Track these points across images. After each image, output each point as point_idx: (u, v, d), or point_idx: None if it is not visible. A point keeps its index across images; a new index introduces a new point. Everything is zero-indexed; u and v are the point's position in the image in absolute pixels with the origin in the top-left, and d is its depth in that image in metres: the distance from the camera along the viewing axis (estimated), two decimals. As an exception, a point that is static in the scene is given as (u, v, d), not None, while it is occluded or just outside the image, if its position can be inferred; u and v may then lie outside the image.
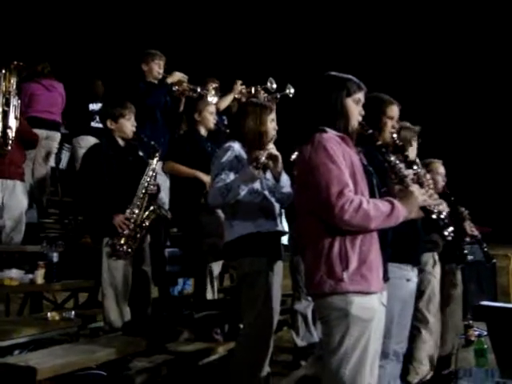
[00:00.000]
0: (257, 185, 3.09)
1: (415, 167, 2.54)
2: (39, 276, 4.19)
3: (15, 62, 4.57)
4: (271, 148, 3.11)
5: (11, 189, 4.66)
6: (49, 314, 3.99)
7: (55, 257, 4.28)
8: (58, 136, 6.14)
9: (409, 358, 3.72)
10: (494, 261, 5.25)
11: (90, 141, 5.99)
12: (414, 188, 2.36)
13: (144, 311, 3.91)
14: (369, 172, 2.52)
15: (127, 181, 3.87)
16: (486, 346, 3.70)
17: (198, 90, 5.28)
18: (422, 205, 2.33)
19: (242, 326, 3.28)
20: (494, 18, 15.05)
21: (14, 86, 4.54)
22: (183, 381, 3.62)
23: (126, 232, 3.75)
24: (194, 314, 4.06)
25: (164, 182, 4.67)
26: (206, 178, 3.97)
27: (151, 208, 3.90)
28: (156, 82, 5.24)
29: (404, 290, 3.01)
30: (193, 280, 5.22)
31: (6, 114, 4.46)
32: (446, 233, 2.42)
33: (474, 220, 4.81)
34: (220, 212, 3.65)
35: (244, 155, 3.12)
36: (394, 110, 3.05)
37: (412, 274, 3.08)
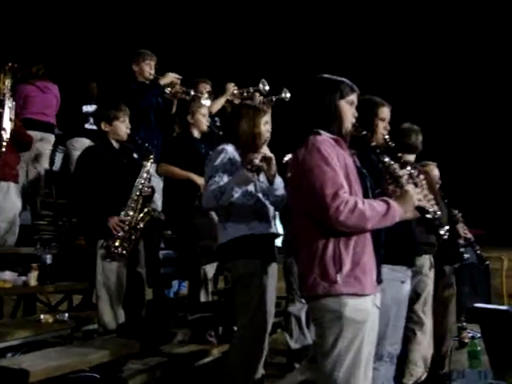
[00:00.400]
0: (251, 187, 3.09)
1: (408, 168, 2.55)
2: (32, 278, 4.18)
3: (10, 64, 4.56)
4: (265, 150, 3.12)
5: (5, 191, 4.64)
6: (42, 316, 3.98)
7: (49, 259, 4.27)
8: (52, 138, 6.12)
9: (403, 361, 3.73)
10: (487, 263, 5.28)
11: (83, 143, 5.98)
12: (409, 187, 2.37)
13: (138, 313, 3.91)
14: (362, 174, 2.53)
15: (122, 183, 3.86)
16: (479, 348, 3.73)
17: (192, 92, 5.27)
18: (418, 204, 2.34)
19: (236, 328, 3.28)
20: (493, 18, 15.13)
21: (9, 88, 4.53)
22: (177, 383, 3.62)
23: (121, 234, 3.74)
24: (188, 316, 4.05)
25: (157, 184, 4.66)
26: (200, 181, 3.97)
27: (145, 210, 3.90)
28: (147, 82, 5.19)
29: (399, 291, 3.02)
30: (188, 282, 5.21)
31: (0, 116, 4.45)
32: (441, 232, 2.43)
33: (468, 222, 4.84)
34: (214, 214, 3.65)
35: (238, 158, 3.13)
36: (386, 112, 3.08)
37: (406, 275, 3.10)
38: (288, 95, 5.55)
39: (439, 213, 2.45)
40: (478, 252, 4.84)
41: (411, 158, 3.96)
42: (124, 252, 3.76)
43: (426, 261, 3.96)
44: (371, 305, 2.30)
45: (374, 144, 2.56)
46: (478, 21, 15.27)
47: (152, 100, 5.07)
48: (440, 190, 4.47)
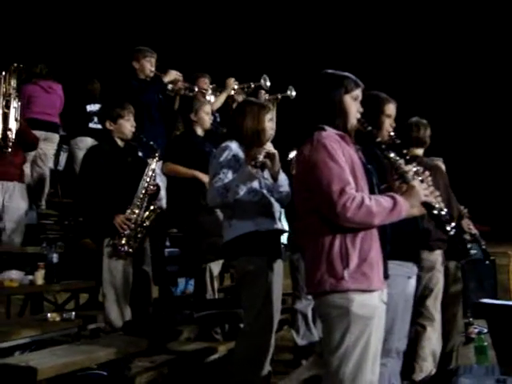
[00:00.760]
0: (255, 184, 3.09)
1: (414, 164, 2.54)
2: (39, 277, 4.19)
3: (15, 64, 4.57)
4: (269, 147, 3.11)
5: (11, 190, 4.66)
6: (49, 314, 4.01)
7: (55, 258, 4.29)
8: (56, 137, 6.14)
9: (413, 356, 3.74)
10: (492, 258, 5.27)
11: (88, 142, 6.01)
12: (416, 183, 2.36)
13: (145, 311, 3.92)
14: (368, 170, 2.52)
15: (127, 181, 3.87)
16: (486, 344, 3.71)
17: (196, 89, 5.26)
18: (424, 200, 2.33)
19: (242, 325, 3.28)
20: (497, 17, 15.07)
21: (15, 88, 4.54)
22: (184, 380, 3.63)
23: (127, 232, 3.75)
24: (194, 313, 4.06)
25: (161, 182, 4.66)
26: (205, 178, 3.97)
27: (151, 208, 3.91)
28: (148, 79, 5.16)
29: (406, 287, 3.02)
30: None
31: (6, 116, 4.47)
32: (448, 228, 2.42)
33: (474, 218, 4.83)
34: (219, 212, 3.65)
35: (241, 154, 3.12)
36: (392, 109, 3.07)
37: (413, 271, 3.10)
38: (293, 93, 5.53)
39: (446, 209, 2.44)
40: (484, 247, 4.84)
41: (419, 151, 3.95)
42: (130, 250, 3.77)
43: (438, 256, 3.96)
44: (378, 301, 2.29)
45: (379, 139, 2.55)
46: (486, 15, 15.20)
47: (153, 96, 5.05)
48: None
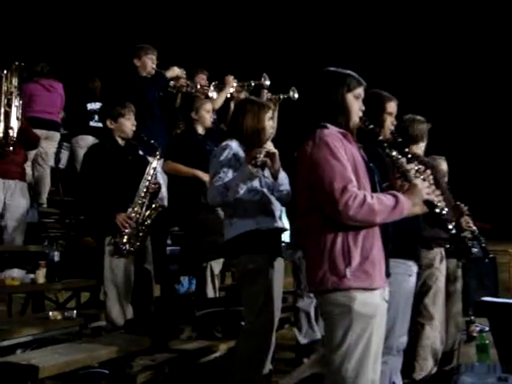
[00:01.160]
0: (255, 183, 3.09)
1: (415, 163, 2.54)
2: (40, 275, 4.20)
3: (17, 63, 4.57)
4: (269, 146, 3.11)
5: (13, 189, 4.66)
6: (50, 313, 4.00)
7: (56, 256, 4.29)
8: (57, 136, 6.15)
9: (413, 355, 3.73)
10: (492, 256, 5.26)
11: (88, 140, 6.01)
12: (418, 181, 2.35)
13: (146, 309, 3.92)
14: (370, 168, 2.52)
15: (128, 180, 3.87)
16: (487, 342, 3.71)
17: (198, 86, 5.26)
18: (426, 198, 2.33)
19: (243, 323, 3.28)
20: (497, 16, 15.06)
21: (16, 87, 4.54)
22: (185, 379, 3.63)
23: (129, 230, 3.76)
24: (196, 312, 4.06)
25: (162, 180, 4.66)
26: (206, 177, 3.97)
27: (153, 206, 3.91)
28: (150, 76, 5.12)
29: (407, 285, 3.03)
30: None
31: (7, 115, 4.47)
32: (450, 226, 2.41)
33: (475, 216, 4.82)
34: (220, 210, 3.65)
35: (242, 153, 3.12)
36: (393, 107, 3.08)
37: (413, 269, 3.10)
38: (296, 95, 5.50)
39: (446, 209, 2.44)
40: (483, 245, 4.83)
41: (419, 147, 3.94)
42: (131, 248, 3.77)
43: (437, 254, 3.96)
44: (380, 299, 2.29)
45: (381, 137, 2.55)
46: (487, 13, 15.19)
47: (155, 93, 5.04)
48: (447, 183, 4.46)
